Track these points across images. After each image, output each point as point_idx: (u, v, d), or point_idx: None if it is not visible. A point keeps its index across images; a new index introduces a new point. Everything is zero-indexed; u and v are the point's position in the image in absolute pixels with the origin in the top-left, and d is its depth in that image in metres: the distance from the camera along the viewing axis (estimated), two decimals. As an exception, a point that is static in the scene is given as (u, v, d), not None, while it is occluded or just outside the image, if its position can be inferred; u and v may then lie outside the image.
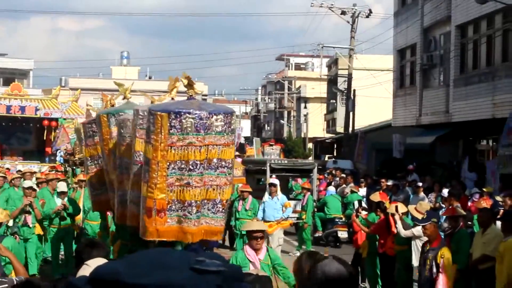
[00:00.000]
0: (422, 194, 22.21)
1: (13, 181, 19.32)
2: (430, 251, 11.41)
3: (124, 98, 10.88)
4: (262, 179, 25.20)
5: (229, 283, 2.76)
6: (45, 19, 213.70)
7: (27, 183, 16.91)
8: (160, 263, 2.73)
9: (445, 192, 20.38)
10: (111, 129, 9.87)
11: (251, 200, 20.35)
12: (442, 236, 12.50)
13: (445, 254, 10.88)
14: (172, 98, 9.52)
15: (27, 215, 16.13)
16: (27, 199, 16.01)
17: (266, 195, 20.20)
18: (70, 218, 16.97)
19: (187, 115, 7.86)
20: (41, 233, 17.14)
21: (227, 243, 23.38)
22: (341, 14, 42.20)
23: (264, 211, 19.95)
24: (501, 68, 26.29)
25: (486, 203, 15.46)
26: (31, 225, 16.39)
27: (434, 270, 11.02)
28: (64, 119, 35.72)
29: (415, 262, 13.91)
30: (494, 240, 11.41)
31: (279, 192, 20.23)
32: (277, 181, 20.63)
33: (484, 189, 20.21)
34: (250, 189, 20.67)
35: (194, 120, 7.85)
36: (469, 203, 18.73)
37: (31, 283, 5.51)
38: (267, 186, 20.89)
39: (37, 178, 25.79)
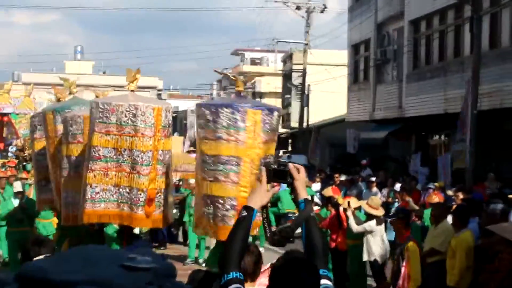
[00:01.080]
0: (375, 189, 22.31)
1: None
2: (399, 246, 11.50)
3: (70, 93, 10.58)
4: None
5: (160, 280, 2.73)
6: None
7: None
8: (90, 260, 2.69)
9: (398, 187, 20.53)
10: (56, 126, 9.58)
11: None
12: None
13: (410, 248, 10.95)
14: (132, 91, 9.08)
15: None
16: None
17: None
18: (29, 220, 15.58)
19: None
20: None
21: (180, 239, 23.30)
22: (296, 9, 42.28)
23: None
24: (453, 63, 26.54)
25: (437, 198, 15.60)
26: None
27: (402, 263, 11.09)
28: (17, 114, 35.12)
29: (366, 257, 13.97)
30: (443, 234, 11.50)
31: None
32: None
33: (435, 184, 20.36)
34: None
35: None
36: (422, 198, 18.86)
37: None
38: None
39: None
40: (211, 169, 7.69)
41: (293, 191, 4.35)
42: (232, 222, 7.11)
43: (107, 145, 8.08)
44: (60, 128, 9.46)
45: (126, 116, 7.96)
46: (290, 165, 4.29)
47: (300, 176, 4.31)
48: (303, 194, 4.31)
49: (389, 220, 12.55)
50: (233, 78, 8.74)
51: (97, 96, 10.75)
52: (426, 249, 11.65)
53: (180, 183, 23.68)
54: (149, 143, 7.99)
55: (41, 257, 6.05)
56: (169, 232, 21.85)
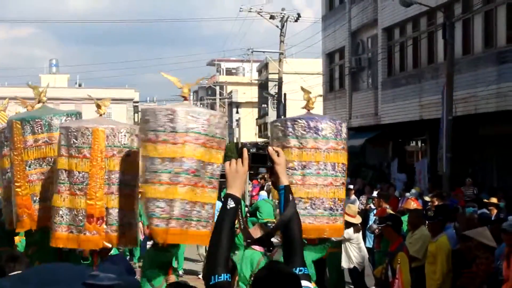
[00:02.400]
0: (353, 196, 22.33)
1: None
2: (388, 255, 11.41)
3: (39, 102, 9.98)
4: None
5: None
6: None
7: None
8: (51, 279, 2.67)
9: (375, 193, 20.58)
10: (25, 137, 9.18)
11: None
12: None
13: (401, 259, 10.80)
14: (100, 115, 9.23)
15: None
16: None
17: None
18: (8, 239, 14.48)
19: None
20: None
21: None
22: (270, 18, 42.32)
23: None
24: (427, 70, 26.71)
25: (415, 204, 15.66)
26: None
27: (390, 274, 10.97)
28: (-9, 129, 34.63)
29: (345, 264, 14.01)
30: (420, 240, 11.56)
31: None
32: None
33: (412, 190, 20.46)
34: None
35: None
36: (400, 204, 18.92)
37: None
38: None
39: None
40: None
41: (273, 175, 4.20)
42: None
43: (62, 167, 8.28)
44: (29, 139, 9.11)
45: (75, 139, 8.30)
46: (270, 148, 4.18)
47: (280, 160, 4.17)
48: (283, 180, 4.17)
49: (379, 227, 12.40)
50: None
51: (27, 108, 10.67)
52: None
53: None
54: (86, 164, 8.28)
55: (16, 273, 6.03)
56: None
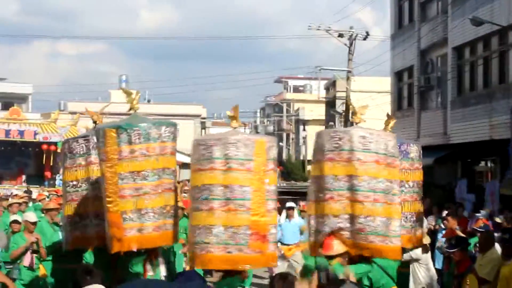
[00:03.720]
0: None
1: (10, 208, 17.99)
2: (456, 277, 11.34)
3: (131, 109, 9.15)
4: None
5: None
6: (44, 43, 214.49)
7: (31, 217, 13.67)
8: None
9: (444, 214, 20.34)
10: (120, 147, 8.37)
11: None
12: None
13: (470, 281, 10.71)
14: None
15: (34, 254, 13.20)
16: (33, 235, 13.19)
17: (283, 218, 19.52)
18: (76, 257, 12.36)
19: None
20: (46, 275, 14.24)
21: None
22: (338, 36, 42.28)
23: (282, 234, 19.60)
24: (498, 89, 26.38)
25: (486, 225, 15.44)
26: (34, 267, 13.39)
27: None
28: (63, 143, 35.19)
29: (413, 285, 13.87)
30: (491, 262, 11.38)
31: (296, 215, 19.57)
32: (294, 204, 19.96)
33: (482, 211, 20.16)
34: None
35: None
36: (469, 225, 18.68)
37: None
38: (285, 209, 19.88)
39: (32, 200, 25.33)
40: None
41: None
42: None
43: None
44: (124, 149, 8.36)
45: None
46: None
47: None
48: None
49: (449, 251, 12.27)
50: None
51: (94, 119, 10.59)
52: (473, 277, 11.53)
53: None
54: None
55: (93, 286, 6.16)
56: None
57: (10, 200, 20.33)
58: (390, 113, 10.91)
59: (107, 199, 8.35)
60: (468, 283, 10.72)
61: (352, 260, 8.62)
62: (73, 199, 9.77)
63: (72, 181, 9.79)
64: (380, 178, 8.54)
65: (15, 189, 36.50)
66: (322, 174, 8.58)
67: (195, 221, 7.80)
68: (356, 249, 8.57)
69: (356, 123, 9.16)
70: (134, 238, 8.27)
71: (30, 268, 13.20)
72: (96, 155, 9.38)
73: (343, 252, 8.59)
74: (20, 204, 19.03)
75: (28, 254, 13.13)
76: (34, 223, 13.37)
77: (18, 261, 13.05)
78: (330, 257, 8.41)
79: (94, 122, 10.98)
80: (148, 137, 8.39)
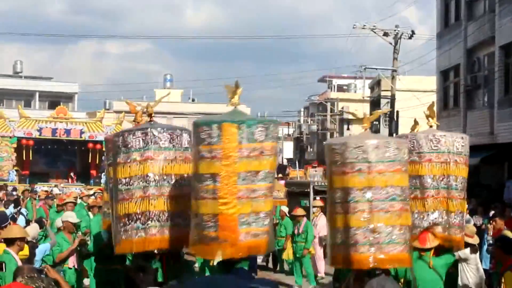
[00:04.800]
0: (467, 216, 21.93)
1: (65, 207, 18.19)
2: (497, 275, 11.30)
3: (232, 104, 8.26)
4: (305, 201, 25.10)
5: None
6: (90, 43, 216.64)
7: (72, 217, 13.46)
8: None
9: (491, 214, 20.15)
10: (241, 145, 7.67)
11: (305, 223, 20.10)
12: None
13: (507, 279, 10.65)
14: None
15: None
16: (80, 237, 13.16)
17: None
18: (120, 257, 11.60)
19: None
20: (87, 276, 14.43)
21: (270, 265, 23.41)
22: (383, 35, 42.03)
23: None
24: (547, 88, 26.04)
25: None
26: (78, 268, 13.40)
27: None
28: (109, 142, 35.54)
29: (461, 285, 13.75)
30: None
31: None
32: None
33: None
34: (304, 213, 20.34)
35: None
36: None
37: None
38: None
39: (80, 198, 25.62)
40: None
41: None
42: None
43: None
44: (244, 147, 7.72)
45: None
46: None
47: None
48: None
49: (489, 248, 12.27)
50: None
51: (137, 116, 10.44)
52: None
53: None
54: None
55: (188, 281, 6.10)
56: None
57: (66, 199, 20.71)
58: (433, 112, 11.27)
59: (221, 200, 7.60)
60: (503, 281, 10.68)
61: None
62: (124, 198, 8.95)
63: (125, 178, 8.98)
64: (460, 176, 10.29)
65: (87, 188, 36.70)
66: (422, 174, 9.93)
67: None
68: (446, 243, 9.87)
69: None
70: (247, 244, 7.55)
71: (74, 269, 13.09)
72: (156, 150, 8.89)
73: (436, 245, 9.77)
74: (74, 203, 19.25)
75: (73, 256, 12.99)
76: (75, 224, 13.28)
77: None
78: (424, 250, 9.68)
79: (135, 120, 10.55)
80: (266, 135, 7.78)
